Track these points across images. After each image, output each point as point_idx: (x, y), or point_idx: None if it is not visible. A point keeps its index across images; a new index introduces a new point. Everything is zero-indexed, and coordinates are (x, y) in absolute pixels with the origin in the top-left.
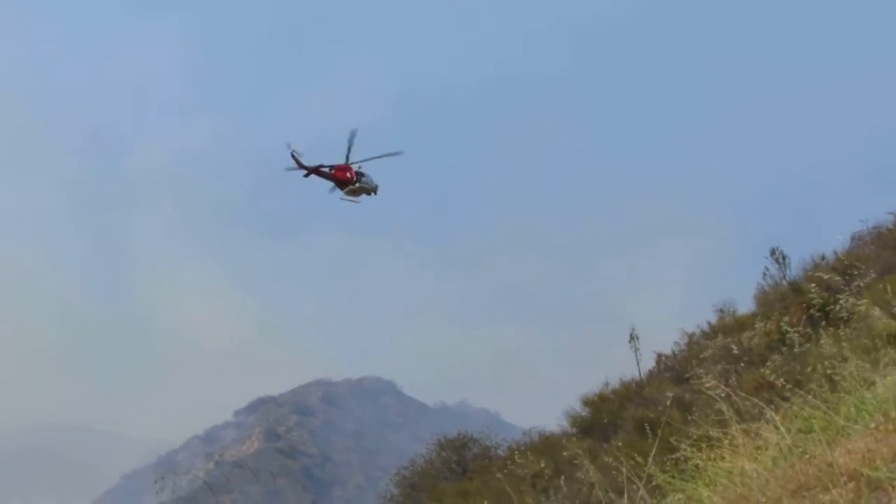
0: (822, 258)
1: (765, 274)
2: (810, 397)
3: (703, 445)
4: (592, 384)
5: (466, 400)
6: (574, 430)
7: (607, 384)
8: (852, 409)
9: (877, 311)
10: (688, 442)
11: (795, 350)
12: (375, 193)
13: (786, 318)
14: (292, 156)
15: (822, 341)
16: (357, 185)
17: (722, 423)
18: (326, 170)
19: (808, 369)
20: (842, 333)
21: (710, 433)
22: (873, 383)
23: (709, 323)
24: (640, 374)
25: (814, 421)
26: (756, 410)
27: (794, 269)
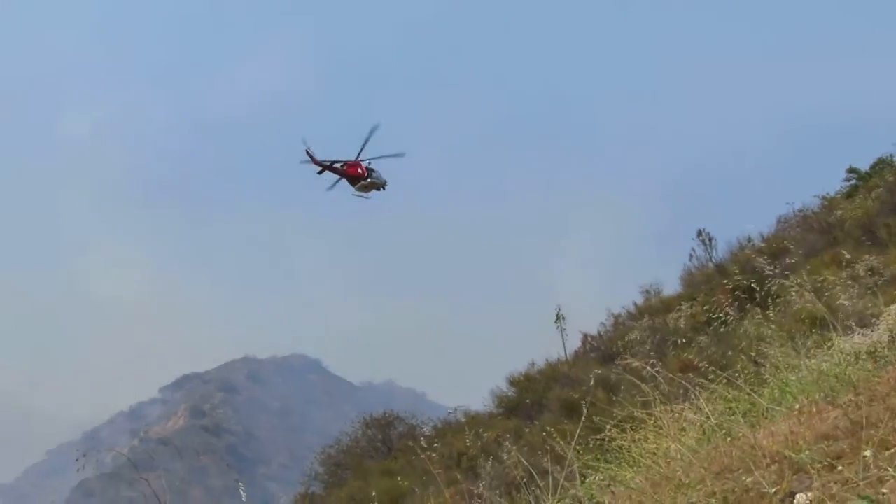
0: (749, 240)
1: (691, 255)
2: (735, 379)
3: (628, 426)
4: (519, 364)
5: (393, 379)
6: (500, 409)
7: (533, 364)
8: (776, 391)
9: (801, 295)
10: (612, 423)
11: (721, 332)
12: (384, 188)
13: (711, 300)
14: (307, 152)
15: (747, 324)
16: (368, 180)
17: (646, 405)
18: (339, 166)
19: (733, 351)
20: (767, 316)
21: (635, 414)
22: (797, 366)
23: (635, 304)
24: (565, 354)
25: (738, 403)
26: (681, 392)
27: (721, 251)
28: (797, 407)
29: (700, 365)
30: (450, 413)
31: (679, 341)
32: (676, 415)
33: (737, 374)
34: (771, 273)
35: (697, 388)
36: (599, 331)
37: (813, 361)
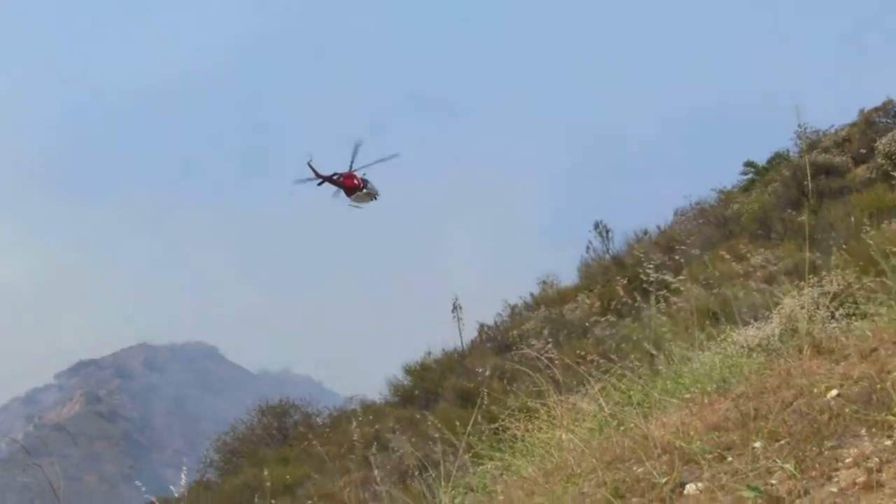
0: (646, 233)
1: (588, 247)
2: (629, 370)
3: (522, 416)
4: (415, 353)
5: (289, 367)
6: (396, 398)
7: (430, 353)
8: (669, 382)
9: (695, 288)
10: (507, 412)
11: (616, 323)
12: (377, 198)
13: (608, 292)
14: (309, 165)
15: (641, 316)
16: (364, 191)
17: (541, 395)
18: (336, 178)
19: (628, 343)
20: (661, 309)
21: (529, 404)
22: (689, 358)
23: (532, 295)
24: (462, 343)
25: (631, 394)
26: (575, 382)
27: (618, 243)
28: (689, 398)
29: (595, 356)
30: (346, 401)
31: (575, 332)
32: (570, 405)
33: (631, 366)
34: (668, 265)
35: (592, 378)
36: (496, 321)
37: (706, 354)
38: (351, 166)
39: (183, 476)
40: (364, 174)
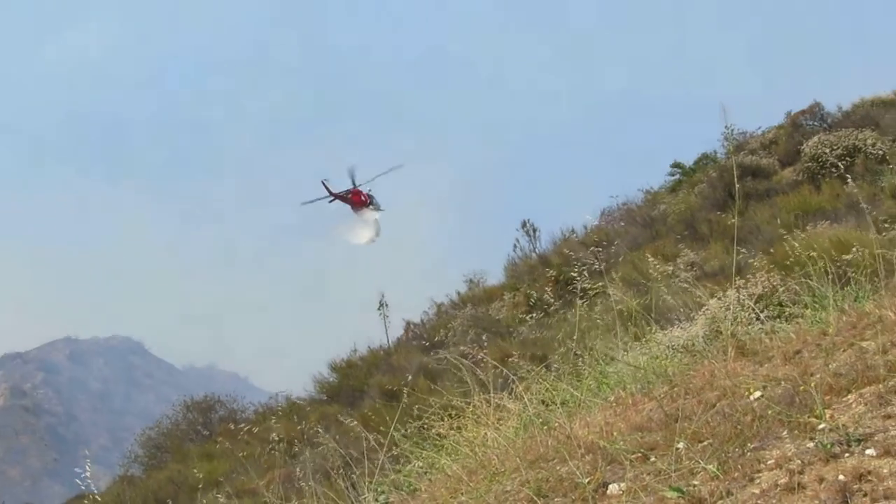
0: (572, 232)
1: (515, 246)
2: (554, 370)
3: (447, 415)
4: (341, 350)
5: (216, 363)
6: (321, 395)
7: (355, 351)
8: (593, 382)
9: (620, 288)
10: (431, 410)
11: (542, 323)
12: (382, 211)
13: (534, 291)
14: (323, 183)
15: (568, 315)
16: (370, 206)
17: (466, 393)
18: (345, 194)
19: (554, 342)
20: (587, 308)
21: (455, 402)
22: (614, 358)
23: (458, 293)
24: (388, 341)
25: (556, 393)
26: (501, 381)
27: (544, 242)
28: (613, 398)
29: (522, 354)
30: (271, 398)
31: (501, 331)
32: (495, 404)
33: (556, 365)
34: (593, 264)
35: (517, 377)
36: (422, 319)
37: (631, 354)
38: (353, 184)
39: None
40: (370, 189)
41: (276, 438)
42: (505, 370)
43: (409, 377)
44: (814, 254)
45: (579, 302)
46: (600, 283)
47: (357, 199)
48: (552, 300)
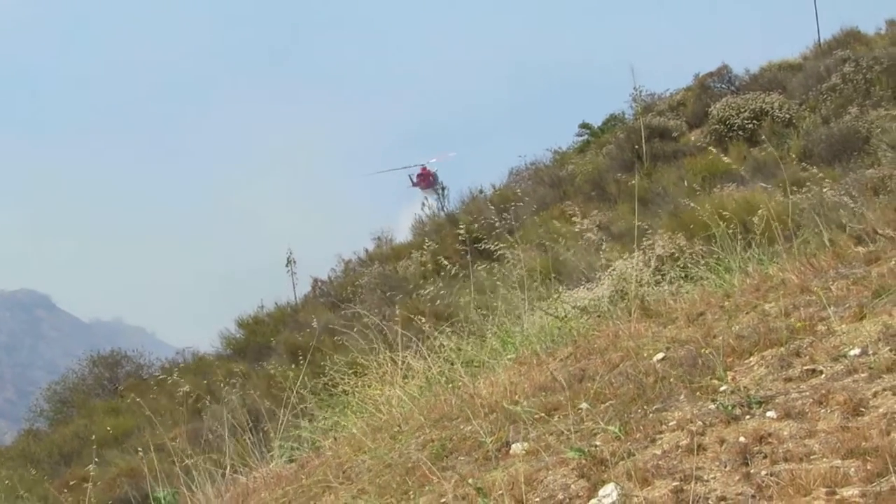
0: (480, 191)
1: (423, 204)
2: (460, 329)
3: (353, 372)
4: (249, 306)
5: (122, 317)
6: (228, 351)
7: (262, 307)
8: (498, 342)
9: (528, 248)
10: (335, 368)
11: (449, 281)
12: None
13: (441, 250)
14: (410, 178)
15: (475, 274)
16: (435, 184)
17: (372, 351)
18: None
19: (460, 301)
20: (494, 267)
21: (360, 360)
22: (520, 317)
23: (366, 250)
24: (295, 298)
25: (461, 352)
26: (407, 339)
27: (453, 201)
28: (517, 358)
29: (429, 312)
30: (178, 353)
31: (408, 290)
32: (400, 362)
33: (462, 324)
34: (501, 223)
35: (423, 336)
36: (330, 276)
37: (536, 314)
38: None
39: None
40: (436, 169)
41: (183, 394)
42: (409, 330)
43: (316, 334)
44: (720, 214)
45: (487, 261)
46: (508, 243)
47: (426, 181)
48: (458, 259)
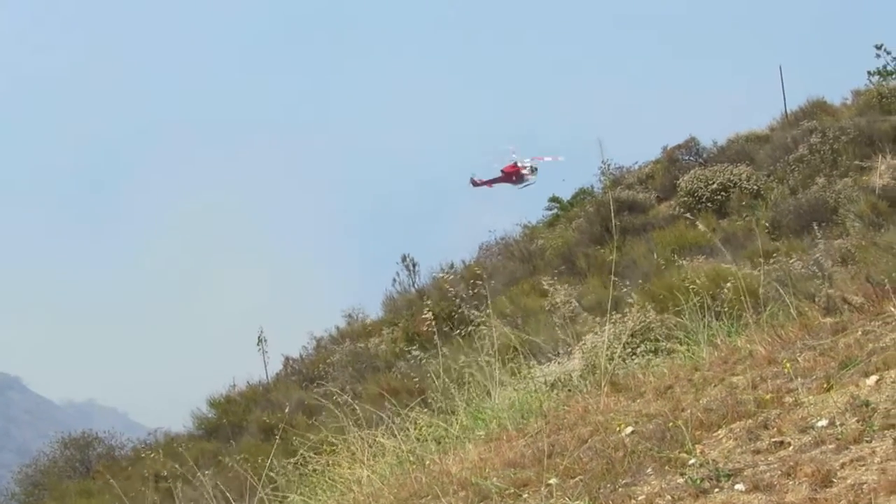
0: (451, 267)
1: (395, 280)
2: (430, 405)
3: (324, 450)
4: (220, 385)
5: (94, 398)
6: (200, 431)
7: (234, 386)
8: (469, 418)
9: (499, 323)
10: (308, 446)
11: (420, 358)
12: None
13: (412, 326)
14: (471, 180)
15: (445, 350)
16: (526, 170)
17: (343, 429)
18: (500, 177)
19: (431, 378)
20: (465, 343)
21: (331, 438)
22: (489, 393)
23: (337, 328)
24: (267, 376)
25: (432, 429)
26: (377, 417)
27: (423, 277)
28: (487, 434)
29: (400, 389)
30: (150, 433)
31: (379, 367)
32: (370, 440)
33: (432, 401)
34: (471, 299)
35: (393, 413)
36: (301, 354)
37: (507, 389)
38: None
39: None
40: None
41: (155, 475)
42: (381, 407)
43: (288, 413)
44: (689, 287)
45: (457, 337)
46: (478, 318)
47: (512, 171)
48: (429, 335)
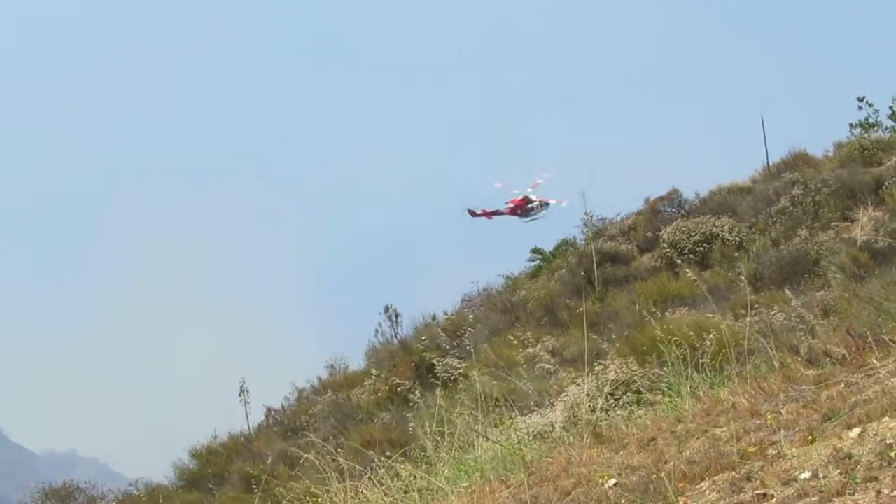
0: (434, 318)
1: (377, 331)
2: (414, 456)
3: (306, 502)
4: (202, 436)
5: (76, 448)
6: (181, 482)
7: (216, 437)
8: (452, 469)
9: (482, 374)
10: (290, 498)
11: (403, 408)
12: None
13: (394, 376)
14: (469, 211)
15: (428, 401)
16: (533, 204)
17: (325, 481)
18: (505, 209)
19: (415, 428)
20: (448, 394)
21: (314, 489)
22: (472, 444)
23: (319, 378)
24: (249, 427)
25: (415, 480)
26: (360, 468)
27: (406, 328)
28: (470, 485)
29: (383, 440)
30: (131, 484)
31: (362, 418)
32: (353, 492)
33: (416, 451)
34: (454, 350)
35: (376, 464)
36: (283, 405)
37: (489, 441)
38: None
39: None
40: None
41: None
42: (364, 458)
43: (270, 464)
44: (671, 339)
45: (440, 388)
46: (460, 369)
47: (519, 205)
48: (412, 386)
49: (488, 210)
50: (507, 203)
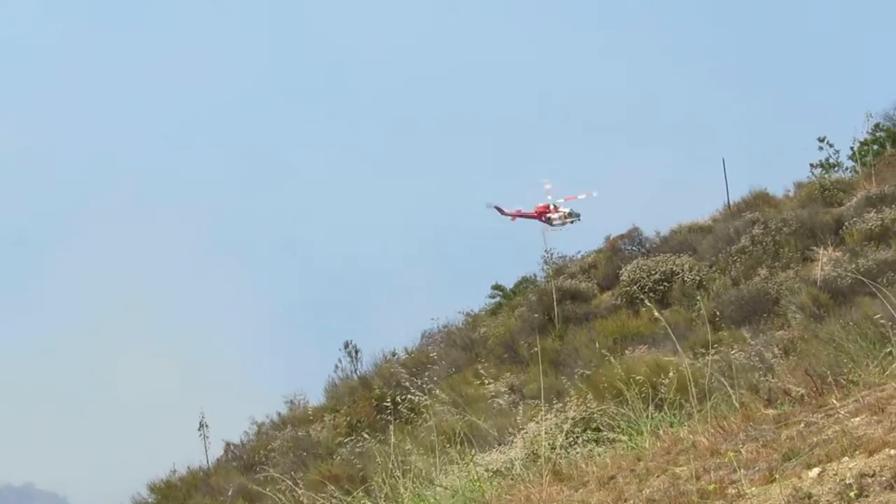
0: (394, 354)
1: (337, 367)
2: (372, 493)
3: None
4: (160, 470)
5: (34, 482)
6: None
7: (174, 471)
8: None
9: (441, 410)
10: None
11: (362, 444)
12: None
13: (354, 412)
14: (496, 208)
15: (388, 437)
16: (559, 213)
17: None
18: (532, 212)
19: (374, 464)
20: (408, 430)
21: None
22: (433, 481)
23: (279, 413)
24: (207, 461)
25: None
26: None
27: (366, 364)
28: None
29: (342, 476)
30: None
31: (321, 453)
32: None
33: (376, 488)
34: (413, 386)
35: (336, 499)
36: (242, 439)
37: (450, 477)
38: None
39: None
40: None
41: None
42: (322, 495)
43: (230, 498)
44: (631, 377)
45: (400, 424)
46: (420, 406)
47: (544, 211)
48: (372, 422)
49: (513, 211)
50: (536, 207)
